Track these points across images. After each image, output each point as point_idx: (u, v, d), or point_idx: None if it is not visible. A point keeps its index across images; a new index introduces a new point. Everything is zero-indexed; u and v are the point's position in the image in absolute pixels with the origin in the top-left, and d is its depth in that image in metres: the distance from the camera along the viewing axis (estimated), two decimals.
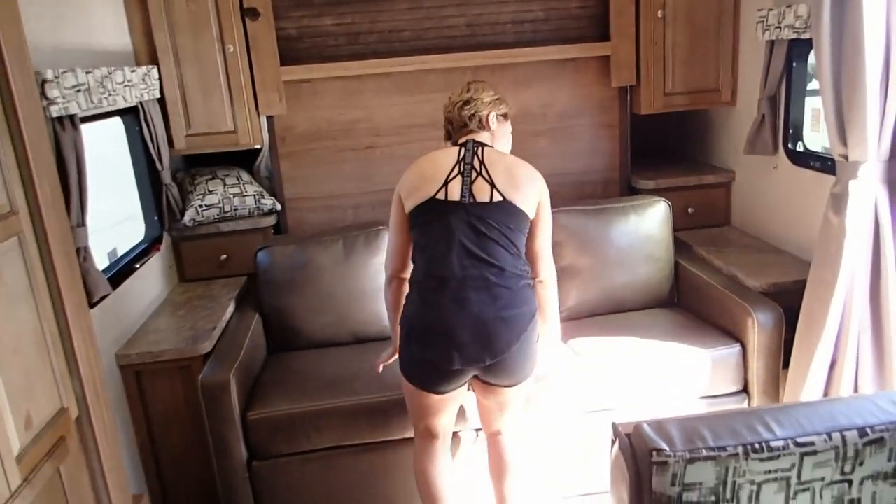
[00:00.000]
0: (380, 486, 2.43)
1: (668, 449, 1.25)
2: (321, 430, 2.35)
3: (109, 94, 2.29)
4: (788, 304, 2.43)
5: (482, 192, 1.96)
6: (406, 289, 2.11)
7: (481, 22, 3.07)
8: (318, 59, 3.01)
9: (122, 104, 2.41)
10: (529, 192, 2.01)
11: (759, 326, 2.40)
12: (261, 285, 2.79)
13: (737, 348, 2.47)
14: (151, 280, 2.79)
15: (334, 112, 3.11)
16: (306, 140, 3.13)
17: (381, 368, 2.29)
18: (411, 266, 2.09)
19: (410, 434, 2.37)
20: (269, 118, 3.07)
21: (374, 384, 2.41)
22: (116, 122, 2.66)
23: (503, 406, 2.11)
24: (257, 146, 3.01)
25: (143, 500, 2.14)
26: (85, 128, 2.14)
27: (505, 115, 2.18)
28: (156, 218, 2.89)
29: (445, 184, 1.97)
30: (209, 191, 3.00)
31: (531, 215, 2.01)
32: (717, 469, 1.25)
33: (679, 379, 2.46)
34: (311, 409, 2.35)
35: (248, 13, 2.83)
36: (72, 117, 2.04)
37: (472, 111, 2.09)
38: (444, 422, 2.15)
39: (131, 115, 2.69)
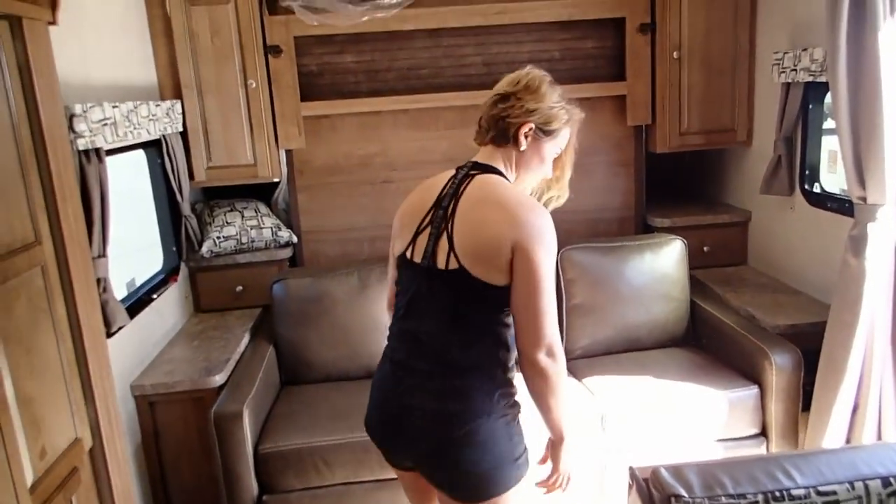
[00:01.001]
0: None
1: (686, 496, 1.23)
2: (332, 465, 2.33)
3: (134, 128, 2.34)
4: (806, 345, 2.41)
5: (441, 255, 1.52)
6: None
7: (498, 61, 3.11)
8: (337, 94, 3.07)
9: (145, 137, 2.46)
10: (497, 246, 1.47)
11: (777, 368, 2.37)
12: (275, 317, 2.80)
13: (754, 390, 2.44)
14: (167, 310, 2.81)
15: (352, 147, 3.15)
16: (324, 174, 3.17)
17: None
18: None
19: None
20: (288, 152, 3.12)
21: None
22: (139, 153, 2.71)
23: None
24: (276, 179, 3.05)
25: None
26: (109, 160, 2.18)
27: (551, 132, 1.61)
28: (174, 248, 2.92)
29: (415, 236, 1.58)
30: (227, 222, 3.03)
31: (502, 280, 1.48)
32: None
33: (695, 420, 2.43)
34: (322, 443, 2.34)
35: (272, 50, 2.90)
36: (97, 150, 2.08)
37: (503, 113, 1.56)
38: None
39: (154, 148, 2.74)
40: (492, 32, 3.07)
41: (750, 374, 2.49)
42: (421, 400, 1.55)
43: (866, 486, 1.24)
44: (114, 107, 2.17)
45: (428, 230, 1.56)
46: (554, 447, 1.62)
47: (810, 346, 2.38)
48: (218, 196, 3.27)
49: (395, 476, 2.33)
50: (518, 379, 1.59)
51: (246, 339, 2.77)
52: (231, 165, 2.98)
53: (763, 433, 2.47)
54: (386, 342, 1.72)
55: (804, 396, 2.42)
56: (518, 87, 1.58)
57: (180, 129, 2.84)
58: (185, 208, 2.88)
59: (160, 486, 2.46)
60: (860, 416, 2.21)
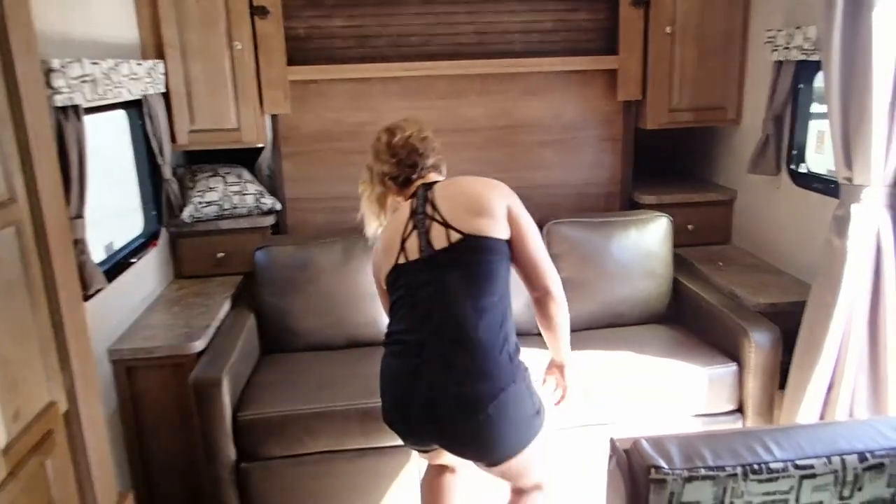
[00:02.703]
0: (372, 494, 2.40)
1: (666, 466, 1.24)
2: (314, 433, 2.33)
3: (115, 87, 2.27)
4: (786, 325, 2.42)
5: (439, 239, 1.71)
6: None
7: (490, 30, 3.06)
8: (325, 60, 3.00)
9: (126, 97, 2.40)
10: (492, 207, 1.73)
11: (756, 346, 2.39)
12: (258, 285, 2.77)
13: (733, 367, 2.46)
14: (147, 275, 2.77)
15: (340, 114, 3.10)
16: (311, 141, 3.12)
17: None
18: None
19: None
20: (274, 117, 3.06)
21: (369, 388, 2.38)
22: (120, 114, 2.64)
23: (504, 476, 1.84)
24: (260, 145, 3.00)
25: (128, 498, 2.11)
26: (88, 119, 2.12)
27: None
28: (154, 213, 2.87)
29: (402, 245, 1.75)
30: (210, 188, 2.98)
31: (503, 234, 1.73)
32: (714, 489, 1.24)
33: (675, 396, 2.45)
34: (304, 411, 2.33)
35: (258, 11, 2.83)
36: (76, 108, 2.03)
37: (431, 148, 1.89)
38: (447, 461, 1.96)
39: (135, 109, 2.67)
40: (485, 1, 3.02)
41: (729, 351, 2.51)
42: (448, 384, 1.66)
43: (843, 461, 1.26)
44: (93, 63, 2.11)
45: (414, 233, 1.75)
46: (567, 368, 1.92)
47: (790, 326, 2.39)
48: (200, 161, 3.21)
49: (378, 446, 2.36)
50: None
51: (227, 307, 2.74)
52: (214, 129, 2.92)
53: (739, 409, 2.50)
54: (387, 342, 1.85)
55: (781, 375, 2.45)
56: (421, 130, 1.92)
57: (162, 90, 2.77)
58: (167, 172, 2.82)
59: (137, 452, 2.44)
60: (834, 395, 2.24)
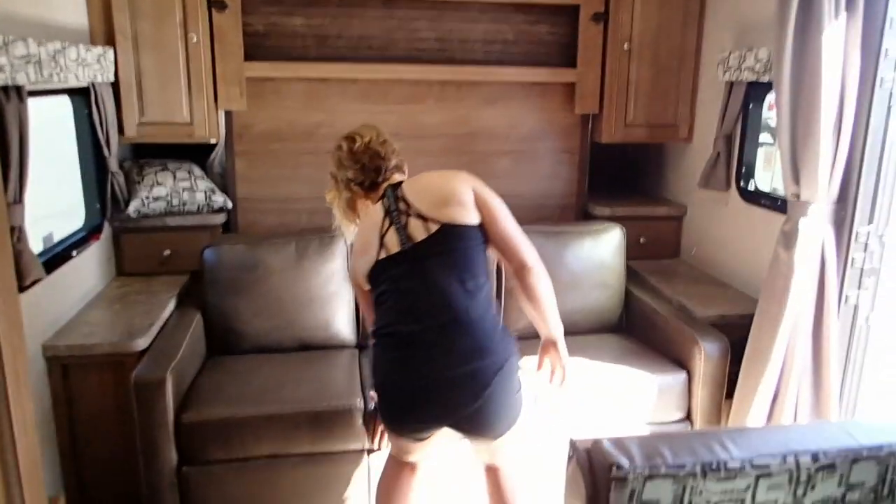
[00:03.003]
0: (319, 500, 2.33)
1: (627, 465, 1.23)
2: (260, 437, 2.25)
3: (61, 70, 2.17)
4: (733, 336, 2.48)
5: (417, 231, 1.79)
6: None
7: (452, 38, 3.08)
8: (283, 58, 2.96)
9: (73, 83, 2.30)
10: (460, 195, 1.81)
11: (705, 355, 2.44)
12: (205, 284, 2.68)
13: (683, 376, 2.50)
14: (87, 271, 2.64)
15: (296, 114, 3.05)
16: (265, 140, 3.05)
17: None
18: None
19: (355, 446, 2.30)
20: (228, 114, 2.98)
21: (320, 391, 2.33)
22: (65, 100, 2.52)
23: (494, 452, 1.94)
24: (213, 141, 2.91)
25: (59, 502, 1.99)
26: (31, 102, 2.02)
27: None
28: (98, 206, 2.74)
29: (381, 241, 1.81)
30: (157, 182, 2.88)
31: (474, 219, 1.81)
32: (674, 487, 1.24)
33: (626, 403, 2.47)
34: (249, 414, 2.24)
35: (216, 4, 2.76)
36: (18, 88, 1.92)
37: (392, 150, 1.96)
38: (423, 457, 2.02)
39: (81, 97, 2.56)
40: (447, 8, 3.03)
41: (679, 360, 2.56)
42: (452, 366, 1.71)
43: (797, 461, 1.28)
44: (39, 44, 2.01)
45: (391, 229, 1.80)
46: (558, 342, 1.95)
47: (737, 337, 2.46)
48: (149, 156, 3.10)
49: (326, 451, 2.29)
50: None
51: (172, 306, 2.63)
52: (165, 122, 2.82)
53: (688, 417, 2.54)
54: (379, 338, 1.84)
55: (728, 384, 2.50)
56: (380, 134, 1.99)
57: (112, 79, 2.66)
58: (113, 164, 2.71)
59: (71, 455, 2.31)
60: (780, 403, 2.30)
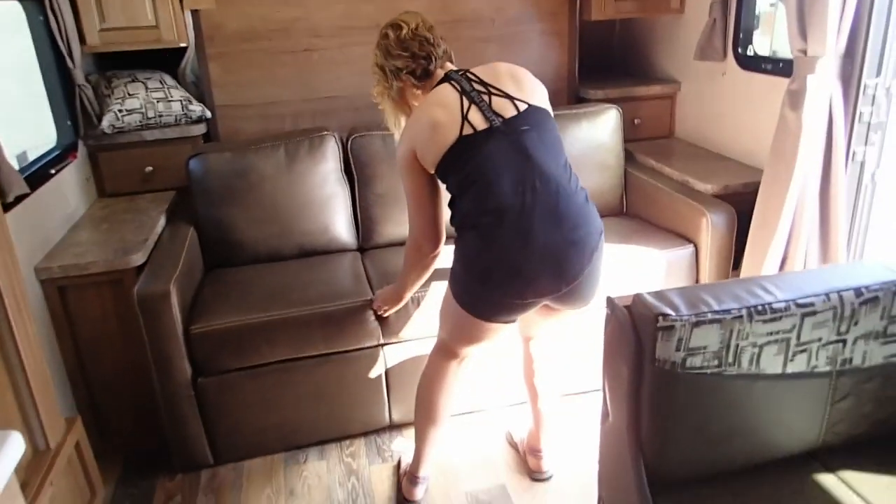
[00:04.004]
0: (336, 399, 2.33)
1: (674, 314, 1.21)
2: (272, 342, 2.21)
3: None
4: (738, 207, 2.47)
5: (505, 108, 1.73)
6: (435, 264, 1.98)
7: None
8: None
9: None
10: (542, 87, 1.84)
11: (712, 227, 2.42)
12: (195, 196, 2.57)
13: (690, 249, 2.50)
14: (68, 191, 2.51)
15: (268, 9, 2.85)
16: (238, 40, 2.86)
17: (382, 313, 2.23)
18: (444, 236, 1.92)
19: (368, 343, 2.28)
20: (195, 13, 2.78)
21: (328, 293, 2.29)
22: (14, 6, 2.31)
23: (559, 324, 2.03)
24: (182, 44, 2.71)
25: (76, 422, 1.95)
26: None
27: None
28: (69, 123, 2.58)
29: (464, 118, 1.71)
30: (129, 94, 2.70)
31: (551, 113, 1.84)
32: (721, 332, 1.22)
33: (636, 279, 2.46)
34: (260, 320, 2.20)
35: None
36: None
37: (439, 36, 1.85)
38: (488, 347, 1.99)
39: (34, 3, 2.35)
40: None
41: (685, 234, 2.55)
42: (564, 233, 1.70)
43: (840, 297, 1.27)
44: None
45: (473, 107, 1.72)
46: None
47: (740, 208, 2.44)
48: (113, 68, 2.90)
49: (340, 350, 2.27)
50: None
51: (162, 222, 2.53)
52: (129, 27, 2.60)
53: None
54: (472, 222, 1.75)
55: (734, 256, 2.51)
56: (424, 20, 1.87)
57: None
58: (79, 76, 2.53)
59: (80, 377, 2.26)
60: (788, 267, 2.31)
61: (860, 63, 2.18)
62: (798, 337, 1.26)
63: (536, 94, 1.81)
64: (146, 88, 2.74)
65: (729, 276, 2.52)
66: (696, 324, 1.21)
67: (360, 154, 2.66)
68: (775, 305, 1.24)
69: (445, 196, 1.85)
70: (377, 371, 2.32)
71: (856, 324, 1.28)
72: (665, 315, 1.20)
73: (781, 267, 2.32)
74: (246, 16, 2.84)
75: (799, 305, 1.24)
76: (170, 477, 2.30)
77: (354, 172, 2.67)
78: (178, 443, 2.24)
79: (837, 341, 1.28)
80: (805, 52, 2.18)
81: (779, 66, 2.54)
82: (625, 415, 1.32)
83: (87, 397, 2.28)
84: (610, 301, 1.33)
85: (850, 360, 1.31)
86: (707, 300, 1.24)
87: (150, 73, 2.83)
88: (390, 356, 2.32)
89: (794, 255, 2.28)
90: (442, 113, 1.73)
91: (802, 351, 1.27)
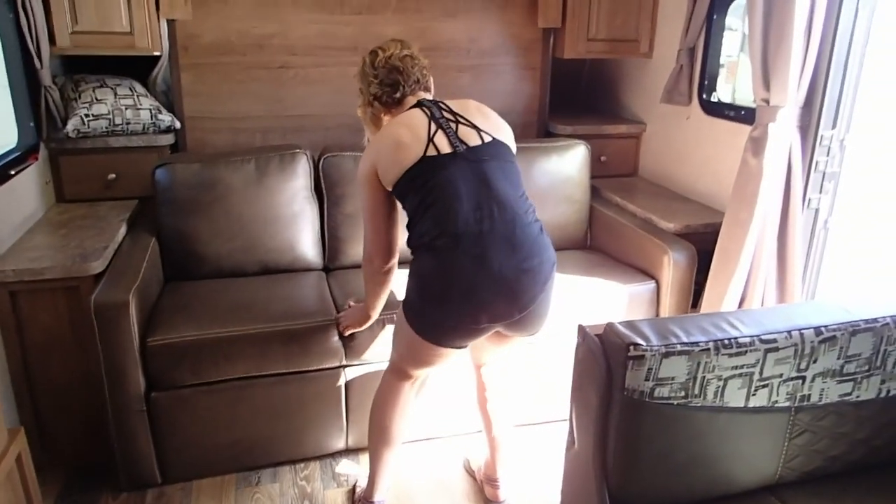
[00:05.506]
0: (293, 419, 2.28)
1: (644, 343, 1.23)
2: (231, 358, 2.16)
3: None
4: (698, 246, 2.54)
5: (470, 137, 1.78)
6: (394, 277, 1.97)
7: None
8: None
9: None
10: (507, 127, 1.91)
11: (674, 264, 2.49)
12: (160, 206, 2.52)
13: (652, 284, 2.56)
14: (26, 195, 2.43)
15: (246, 24, 2.85)
16: (213, 52, 2.84)
17: (347, 332, 2.22)
18: (398, 251, 1.94)
19: (330, 364, 2.25)
20: (171, 23, 2.75)
21: (291, 310, 2.26)
22: None
23: (509, 350, 2.06)
24: (156, 53, 2.69)
25: (19, 434, 1.86)
26: None
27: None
28: (32, 125, 2.51)
29: (430, 140, 1.75)
30: (97, 99, 2.65)
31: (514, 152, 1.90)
32: (689, 364, 1.25)
33: (598, 313, 2.50)
34: (220, 335, 2.15)
35: None
36: None
37: (413, 65, 1.89)
38: (440, 370, 2.01)
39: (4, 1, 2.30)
40: None
41: (647, 270, 2.60)
42: (518, 262, 1.72)
43: (801, 335, 1.32)
44: None
45: (440, 132, 1.76)
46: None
47: (701, 247, 2.52)
48: (82, 72, 2.84)
49: (300, 370, 2.23)
50: None
51: (123, 230, 2.46)
52: (102, 32, 2.57)
53: None
54: (429, 244, 1.75)
55: (693, 295, 2.57)
56: (407, 49, 1.92)
57: None
58: (46, 77, 2.48)
59: (25, 386, 2.17)
60: (747, 304, 2.38)
61: (818, 115, 2.30)
62: (761, 372, 1.30)
63: (502, 131, 1.87)
64: (115, 95, 2.69)
65: (688, 313, 2.58)
66: (666, 354, 1.23)
67: (330, 173, 2.65)
68: (741, 340, 1.28)
69: (403, 218, 1.87)
70: (337, 393, 2.29)
71: (815, 361, 1.32)
72: (636, 345, 1.23)
73: (740, 304, 2.40)
74: (222, 29, 2.83)
75: (763, 341, 1.29)
76: (114, 495, 2.20)
77: (324, 191, 2.66)
78: (125, 459, 2.16)
79: (797, 378, 1.33)
80: (768, 102, 2.28)
81: (741, 114, 2.64)
82: (591, 442, 1.33)
83: (31, 407, 2.18)
84: (581, 329, 1.35)
85: (808, 396, 1.35)
86: (676, 332, 1.27)
87: (119, 80, 2.78)
88: (352, 378, 2.30)
89: (753, 293, 2.36)
90: (406, 133, 1.78)
91: (764, 386, 1.31)
